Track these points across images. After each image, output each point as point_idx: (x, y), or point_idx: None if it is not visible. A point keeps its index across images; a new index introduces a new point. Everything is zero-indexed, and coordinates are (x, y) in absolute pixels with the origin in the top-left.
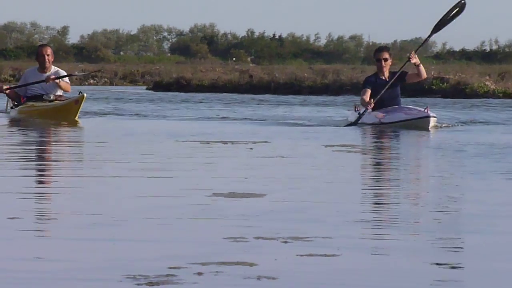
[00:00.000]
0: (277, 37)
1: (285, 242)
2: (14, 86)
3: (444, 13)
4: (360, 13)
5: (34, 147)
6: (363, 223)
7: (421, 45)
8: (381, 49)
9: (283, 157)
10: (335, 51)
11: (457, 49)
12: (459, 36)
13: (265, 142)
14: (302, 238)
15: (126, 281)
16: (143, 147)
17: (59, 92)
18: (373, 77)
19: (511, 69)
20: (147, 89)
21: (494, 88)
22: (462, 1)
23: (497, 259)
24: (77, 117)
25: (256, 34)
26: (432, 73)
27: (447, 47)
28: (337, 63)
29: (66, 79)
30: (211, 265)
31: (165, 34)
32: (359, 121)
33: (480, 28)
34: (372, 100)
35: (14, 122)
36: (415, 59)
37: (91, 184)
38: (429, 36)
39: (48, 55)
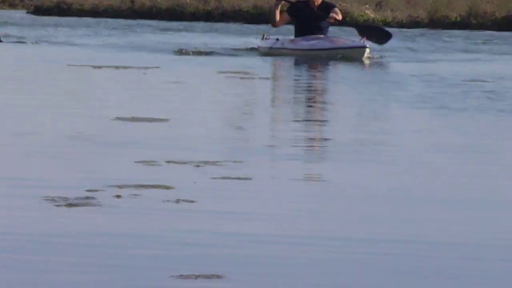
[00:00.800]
0: None
1: (197, 166)
2: None
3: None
4: None
5: None
6: (270, 147)
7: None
8: None
9: (177, 82)
10: None
11: None
12: None
13: (157, 67)
14: (213, 162)
15: (45, 203)
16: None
17: None
18: (300, 3)
19: None
20: (27, 13)
21: (374, 16)
22: (391, 34)
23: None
24: None
25: None
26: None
27: None
28: None
29: None
30: (128, 188)
31: None
32: (277, 48)
33: None
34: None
35: None
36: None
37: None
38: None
39: None
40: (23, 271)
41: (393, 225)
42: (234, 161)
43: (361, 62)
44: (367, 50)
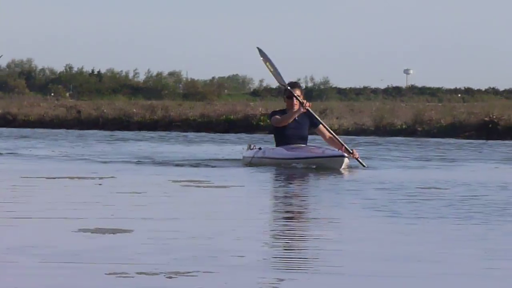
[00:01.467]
0: (96, 72)
1: (169, 277)
2: None
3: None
4: (178, 50)
5: None
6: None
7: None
8: (293, 85)
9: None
10: (154, 87)
11: (274, 86)
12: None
13: (112, 177)
14: (184, 273)
15: None
16: None
17: None
18: (280, 113)
19: (332, 105)
20: None
21: None
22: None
23: None
24: None
25: (75, 69)
26: (260, 109)
27: (264, 84)
28: (157, 99)
29: None
30: None
31: None
32: (258, 157)
33: (296, 66)
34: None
35: None
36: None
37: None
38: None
39: None
40: None
41: None
42: (204, 272)
43: (339, 172)
44: (346, 160)
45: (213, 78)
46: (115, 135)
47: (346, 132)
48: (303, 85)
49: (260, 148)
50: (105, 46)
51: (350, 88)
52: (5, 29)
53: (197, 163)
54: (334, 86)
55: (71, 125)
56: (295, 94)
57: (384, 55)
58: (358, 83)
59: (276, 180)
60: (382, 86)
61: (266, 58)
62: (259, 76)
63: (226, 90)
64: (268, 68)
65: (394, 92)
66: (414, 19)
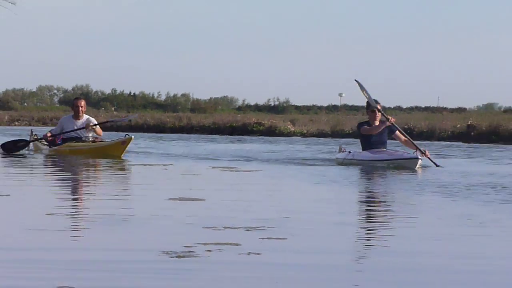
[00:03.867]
0: (132, 93)
1: (248, 230)
2: (56, 133)
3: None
4: (187, 77)
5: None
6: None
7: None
8: (376, 102)
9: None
10: (171, 104)
11: (252, 103)
12: (253, 94)
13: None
14: (257, 227)
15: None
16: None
17: (90, 134)
18: (365, 124)
19: (296, 117)
20: None
21: (294, 129)
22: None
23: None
24: (122, 155)
25: (118, 91)
26: (253, 119)
27: (246, 102)
28: (173, 112)
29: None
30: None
31: (55, 91)
32: (349, 159)
33: (268, 87)
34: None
35: (59, 158)
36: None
37: None
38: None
39: (81, 106)
40: None
41: None
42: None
43: (414, 171)
44: (420, 161)
45: (211, 98)
46: (168, 137)
47: (311, 135)
48: (272, 103)
49: (349, 152)
50: (139, 72)
51: (303, 105)
52: (67, 62)
53: (300, 163)
54: (292, 104)
55: (123, 130)
56: (379, 109)
57: (325, 81)
58: (307, 102)
59: (365, 176)
60: (325, 104)
61: (362, 88)
62: (242, 96)
63: (220, 106)
64: (364, 94)
65: (332, 109)
66: (347, 55)
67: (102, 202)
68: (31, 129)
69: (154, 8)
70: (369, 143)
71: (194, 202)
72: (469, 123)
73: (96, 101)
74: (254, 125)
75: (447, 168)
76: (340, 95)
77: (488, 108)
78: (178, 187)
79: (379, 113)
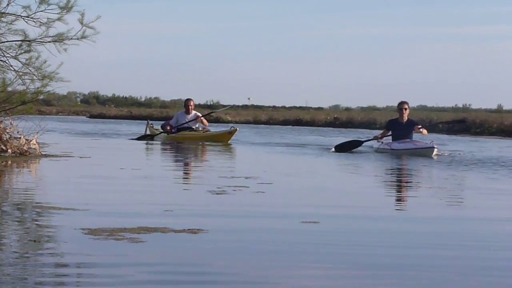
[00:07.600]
0: (124, 96)
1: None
2: (176, 126)
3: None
4: (185, 82)
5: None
6: None
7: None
8: (404, 102)
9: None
10: (169, 106)
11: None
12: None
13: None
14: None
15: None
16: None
17: (197, 125)
18: (395, 120)
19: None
20: None
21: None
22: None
23: None
24: (229, 142)
25: (116, 95)
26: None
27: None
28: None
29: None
30: None
31: (78, 94)
32: (382, 148)
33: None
34: (379, 136)
35: (177, 144)
36: (424, 131)
37: None
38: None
39: (191, 105)
40: None
41: None
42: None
43: (431, 158)
44: (435, 150)
45: (207, 101)
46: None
47: (248, 122)
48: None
49: (382, 142)
50: (146, 75)
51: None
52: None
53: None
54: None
55: (127, 118)
56: (404, 107)
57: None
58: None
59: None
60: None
61: (344, 147)
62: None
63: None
64: (349, 145)
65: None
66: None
67: None
68: (147, 121)
69: None
70: (397, 135)
71: None
72: None
73: (102, 102)
74: None
75: None
76: (249, 98)
77: None
78: None
79: (406, 111)
